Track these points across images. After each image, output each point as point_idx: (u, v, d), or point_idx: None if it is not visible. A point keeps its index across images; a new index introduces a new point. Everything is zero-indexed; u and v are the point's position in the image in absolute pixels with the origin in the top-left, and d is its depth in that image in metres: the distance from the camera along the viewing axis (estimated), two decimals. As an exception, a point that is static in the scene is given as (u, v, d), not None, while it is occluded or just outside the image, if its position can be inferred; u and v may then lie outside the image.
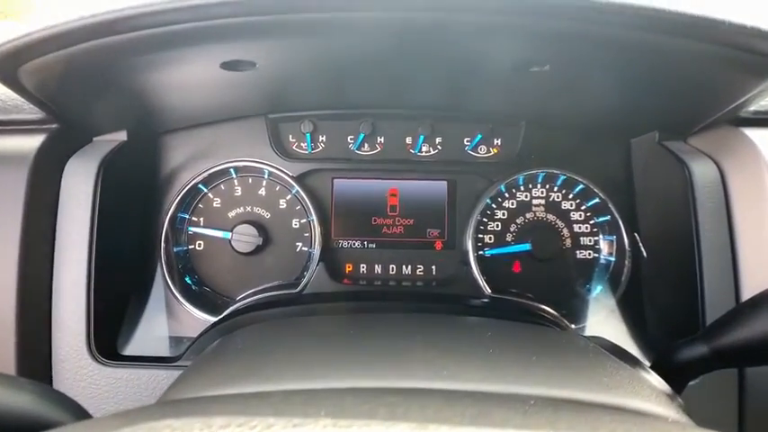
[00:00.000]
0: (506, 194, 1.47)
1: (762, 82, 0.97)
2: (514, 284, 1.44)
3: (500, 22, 0.86)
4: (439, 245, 1.47)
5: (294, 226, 1.45)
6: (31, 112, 1.10)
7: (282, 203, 1.45)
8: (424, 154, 1.48)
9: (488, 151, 1.48)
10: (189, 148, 1.43)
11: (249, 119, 1.43)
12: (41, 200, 1.12)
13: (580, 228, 1.47)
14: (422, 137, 1.46)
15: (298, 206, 1.45)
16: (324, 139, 1.46)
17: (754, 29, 0.81)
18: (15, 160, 1.09)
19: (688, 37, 0.85)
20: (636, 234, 1.40)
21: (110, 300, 1.21)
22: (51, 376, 1.11)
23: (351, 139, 1.47)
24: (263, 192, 1.45)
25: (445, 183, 1.48)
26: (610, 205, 1.42)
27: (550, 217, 1.47)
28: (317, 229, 1.42)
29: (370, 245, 1.47)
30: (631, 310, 1.39)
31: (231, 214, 1.44)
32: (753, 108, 1.12)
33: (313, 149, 1.46)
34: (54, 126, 1.14)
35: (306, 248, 1.44)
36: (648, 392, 0.65)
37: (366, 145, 1.47)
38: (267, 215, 1.44)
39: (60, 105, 1.09)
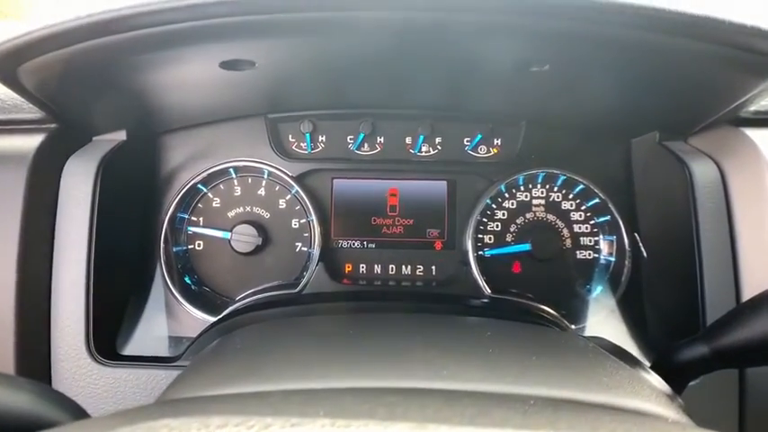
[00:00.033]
0: (506, 194, 1.47)
1: (762, 82, 0.97)
2: (514, 285, 1.44)
3: (500, 22, 0.86)
4: (439, 245, 1.47)
5: (294, 226, 1.45)
6: (31, 111, 1.10)
7: (282, 203, 1.45)
8: (423, 154, 1.47)
9: (488, 151, 1.48)
10: (188, 147, 1.43)
11: (249, 119, 1.43)
12: (41, 199, 1.11)
13: (580, 228, 1.46)
14: (422, 137, 1.46)
15: (297, 206, 1.45)
16: (323, 138, 1.46)
17: (755, 28, 0.81)
18: (15, 160, 1.09)
19: (688, 36, 0.85)
20: (636, 234, 1.40)
21: (109, 299, 1.21)
22: (50, 376, 1.11)
23: (350, 138, 1.46)
24: (262, 192, 1.45)
25: (445, 183, 1.47)
26: (610, 205, 1.42)
27: (550, 217, 1.46)
28: (317, 229, 1.42)
29: (370, 245, 1.47)
30: (631, 311, 1.38)
31: (231, 214, 1.44)
32: (753, 108, 1.12)
33: (313, 149, 1.46)
34: (53, 126, 1.14)
35: (305, 248, 1.44)
36: (648, 393, 0.64)
37: (366, 145, 1.47)
38: (267, 215, 1.44)
39: (60, 105, 1.09)
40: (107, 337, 1.22)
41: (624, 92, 1.20)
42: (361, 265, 1.46)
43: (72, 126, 1.17)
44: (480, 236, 1.46)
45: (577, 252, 1.46)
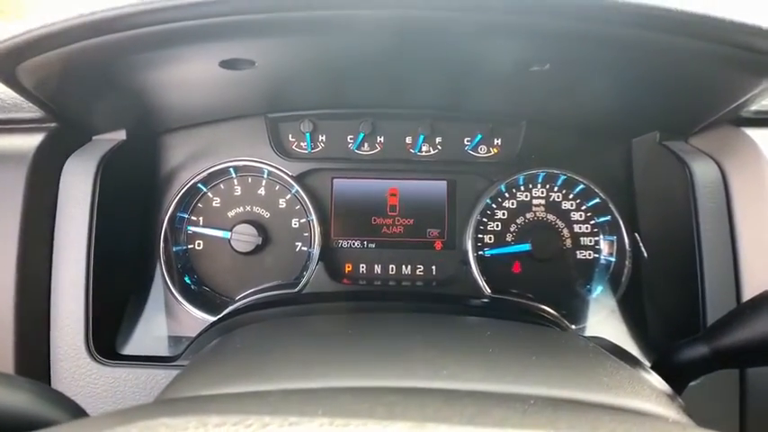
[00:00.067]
0: (506, 194, 1.47)
1: (762, 81, 0.97)
2: (514, 285, 1.44)
3: (500, 22, 0.86)
4: (439, 245, 1.47)
5: (294, 226, 1.44)
6: (30, 110, 1.10)
7: (282, 203, 1.45)
8: (423, 154, 1.47)
9: (488, 151, 1.48)
10: (188, 147, 1.43)
11: (249, 118, 1.43)
12: (40, 199, 1.11)
13: (580, 228, 1.46)
14: (422, 136, 1.45)
15: (297, 206, 1.44)
16: (323, 138, 1.46)
17: (755, 27, 0.81)
18: (14, 159, 1.09)
19: (689, 35, 0.85)
20: (636, 234, 1.40)
21: (109, 299, 1.21)
22: (50, 375, 1.11)
23: (350, 138, 1.46)
24: (262, 191, 1.45)
25: (445, 183, 1.47)
26: (610, 205, 1.42)
27: (550, 217, 1.46)
28: (317, 229, 1.41)
29: (370, 245, 1.47)
30: (632, 311, 1.38)
31: (231, 214, 1.44)
32: (754, 108, 1.12)
33: (313, 149, 1.46)
34: (53, 125, 1.14)
35: (305, 248, 1.44)
36: (649, 393, 0.64)
37: (366, 144, 1.47)
38: (267, 215, 1.44)
39: (59, 104, 1.09)
40: (107, 337, 1.22)
41: (624, 92, 1.20)
42: (361, 265, 1.46)
43: (72, 125, 1.17)
44: (480, 236, 1.46)
45: (578, 252, 1.46)
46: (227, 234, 1.39)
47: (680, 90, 1.11)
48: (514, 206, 1.47)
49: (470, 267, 1.40)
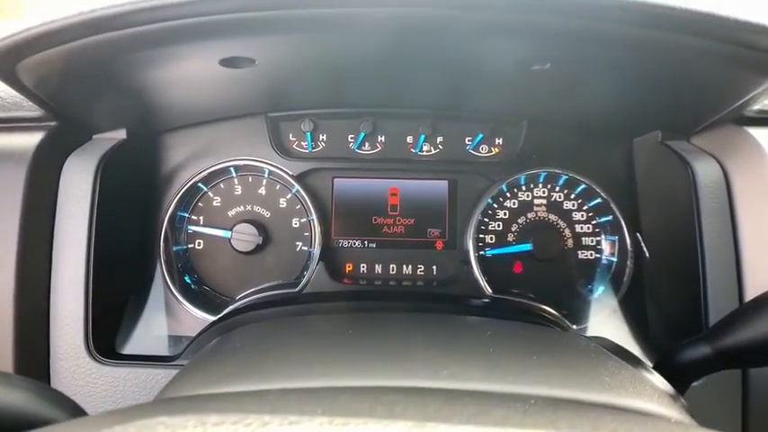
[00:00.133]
0: (508, 194, 1.46)
1: (766, 80, 0.96)
2: (515, 285, 1.43)
3: (501, 20, 0.85)
4: (440, 245, 1.47)
5: (294, 225, 1.44)
6: (30, 109, 1.09)
7: (282, 202, 1.44)
8: (424, 153, 1.47)
9: (490, 151, 1.47)
10: (189, 146, 1.42)
11: (249, 117, 1.43)
12: (40, 198, 1.11)
13: (582, 228, 1.46)
14: (423, 136, 1.45)
15: (298, 205, 1.44)
16: (324, 137, 1.46)
17: (759, 25, 0.80)
18: (14, 158, 1.09)
19: (692, 34, 0.84)
20: (638, 234, 1.39)
21: (108, 298, 1.20)
22: (49, 375, 1.11)
23: (351, 138, 1.46)
24: (263, 191, 1.44)
25: (446, 182, 1.47)
26: (612, 205, 1.41)
27: (552, 217, 1.46)
28: (317, 229, 1.41)
29: (371, 244, 1.46)
30: (634, 311, 1.38)
31: (231, 213, 1.43)
32: (757, 107, 1.11)
33: (313, 148, 1.46)
34: (53, 124, 1.14)
35: (306, 248, 1.44)
36: (651, 393, 0.64)
37: (367, 144, 1.46)
38: (267, 214, 1.44)
39: (59, 103, 1.09)
40: (106, 336, 1.21)
41: (626, 91, 1.19)
42: (362, 265, 1.46)
43: (72, 124, 1.17)
44: (481, 236, 1.45)
45: (579, 252, 1.45)
46: (227, 233, 1.39)
47: (682, 89, 1.10)
48: (516, 206, 1.46)
49: (471, 267, 1.40)
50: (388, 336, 0.84)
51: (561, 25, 0.85)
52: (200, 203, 1.43)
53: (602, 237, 1.45)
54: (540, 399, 0.55)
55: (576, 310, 1.39)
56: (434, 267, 1.46)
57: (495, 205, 1.46)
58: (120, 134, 1.24)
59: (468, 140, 1.47)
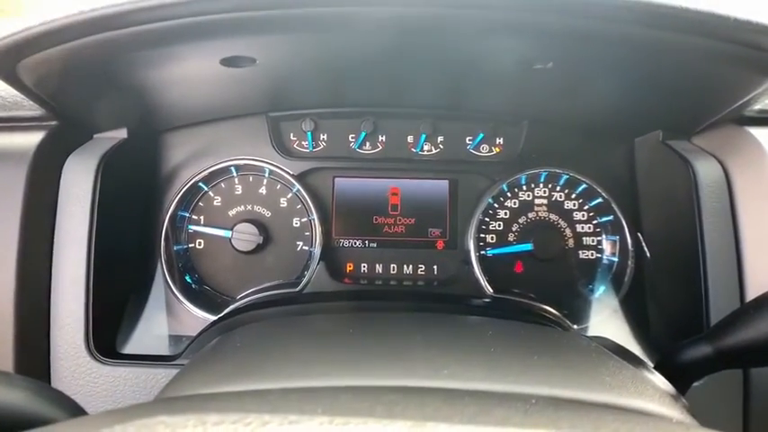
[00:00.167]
0: (508, 194, 1.46)
1: (767, 80, 0.96)
2: (516, 284, 1.43)
3: (503, 19, 0.85)
4: (440, 244, 1.46)
5: (295, 225, 1.44)
6: (31, 108, 1.09)
7: (283, 202, 1.44)
8: (425, 153, 1.47)
9: (490, 150, 1.47)
10: (189, 146, 1.42)
11: (250, 117, 1.43)
12: (41, 197, 1.11)
13: (583, 228, 1.46)
14: (423, 135, 1.45)
15: (298, 205, 1.44)
16: (325, 137, 1.46)
17: (760, 25, 0.80)
18: (15, 157, 1.09)
19: (693, 33, 0.84)
20: (639, 234, 1.39)
21: (109, 298, 1.20)
22: (50, 374, 1.11)
23: (352, 137, 1.46)
24: (263, 190, 1.44)
25: (447, 182, 1.47)
26: (613, 205, 1.41)
27: (553, 217, 1.46)
28: (318, 228, 1.41)
29: (371, 244, 1.46)
30: (634, 311, 1.38)
31: (232, 213, 1.43)
32: (758, 107, 1.11)
33: (314, 148, 1.46)
34: (54, 123, 1.14)
35: (306, 247, 1.44)
36: (652, 393, 0.64)
37: (367, 143, 1.46)
38: (268, 214, 1.44)
39: (60, 102, 1.08)
40: (107, 336, 1.21)
41: (627, 91, 1.19)
42: (363, 265, 1.46)
43: (72, 123, 1.17)
44: (482, 235, 1.45)
45: (580, 252, 1.45)
46: (228, 233, 1.39)
47: (684, 89, 1.10)
48: (516, 206, 1.46)
49: (472, 267, 1.40)
50: (388, 335, 0.84)
51: (563, 25, 0.85)
52: (200, 203, 1.43)
53: (603, 236, 1.45)
54: (540, 398, 0.55)
55: (576, 309, 1.38)
56: (435, 267, 1.46)
57: (496, 205, 1.46)
58: (121, 133, 1.24)
59: (469, 140, 1.47)
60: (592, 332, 1.36)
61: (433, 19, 0.85)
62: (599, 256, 1.45)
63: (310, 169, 1.44)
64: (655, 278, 1.35)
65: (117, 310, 1.28)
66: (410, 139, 1.47)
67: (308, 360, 0.69)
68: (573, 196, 1.46)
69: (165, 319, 1.37)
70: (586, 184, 1.42)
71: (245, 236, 1.38)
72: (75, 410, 0.67)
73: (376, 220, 1.46)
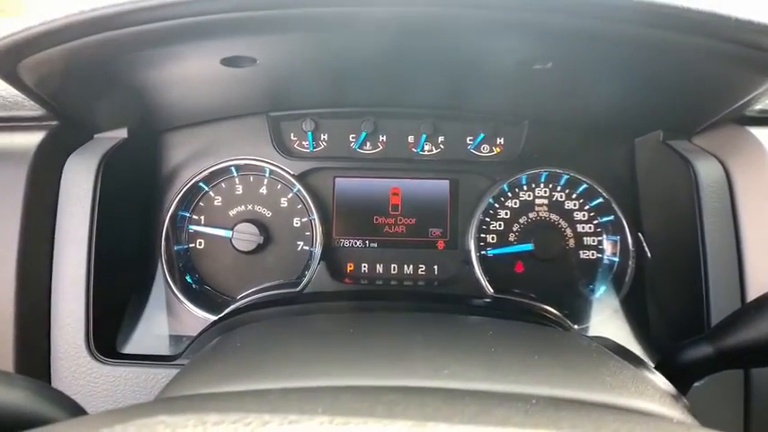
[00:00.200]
0: (509, 194, 1.46)
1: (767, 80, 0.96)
2: (517, 284, 1.43)
3: (504, 19, 0.85)
4: (441, 244, 1.46)
5: (295, 225, 1.44)
6: (32, 108, 1.09)
7: (284, 202, 1.44)
8: (426, 153, 1.47)
9: (491, 150, 1.47)
10: (190, 146, 1.42)
11: (250, 117, 1.43)
12: (41, 197, 1.11)
13: (583, 228, 1.45)
14: (424, 135, 1.45)
15: (299, 205, 1.44)
16: (325, 137, 1.46)
17: (761, 25, 0.80)
18: (15, 157, 1.09)
19: (694, 33, 0.84)
20: (640, 234, 1.39)
21: (109, 298, 1.20)
22: (50, 374, 1.11)
23: (352, 137, 1.46)
24: (264, 190, 1.44)
25: (447, 182, 1.47)
26: (613, 205, 1.41)
27: (553, 217, 1.46)
28: (319, 228, 1.41)
29: (372, 244, 1.46)
30: (635, 311, 1.37)
31: (232, 213, 1.43)
32: (758, 107, 1.11)
33: (314, 148, 1.46)
34: (54, 123, 1.14)
35: (307, 247, 1.44)
36: (653, 393, 0.64)
37: (368, 143, 1.46)
38: (268, 214, 1.44)
39: (60, 102, 1.08)
40: (107, 336, 1.21)
41: (628, 91, 1.19)
42: (363, 265, 1.46)
43: (73, 123, 1.17)
44: (483, 235, 1.45)
45: (580, 252, 1.45)
46: (228, 233, 1.39)
47: (684, 89, 1.10)
48: (517, 206, 1.46)
49: (473, 267, 1.40)
50: (388, 335, 0.84)
51: (563, 24, 0.85)
52: (201, 203, 1.43)
53: (604, 237, 1.45)
54: (541, 399, 0.55)
55: (577, 309, 1.38)
56: (436, 267, 1.46)
57: (497, 205, 1.46)
58: (122, 133, 1.24)
59: (470, 140, 1.47)
60: (592, 332, 1.36)
61: (433, 19, 0.85)
62: (600, 256, 1.45)
63: (311, 169, 1.44)
64: (655, 278, 1.35)
65: (117, 310, 1.28)
66: (411, 139, 1.46)
67: (308, 360, 0.69)
68: (573, 196, 1.46)
69: (165, 318, 1.37)
70: (587, 184, 1.42)
71: (245, 236, 1.38)
72: (75, 410, 0.67)
73: (376, 220, 1.46)
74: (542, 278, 1.43)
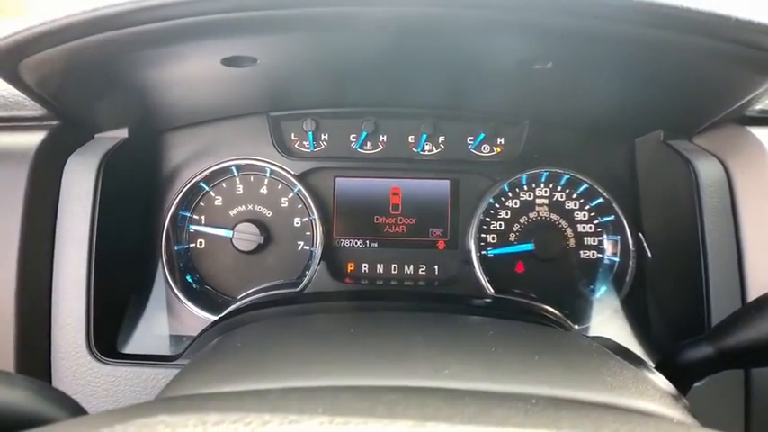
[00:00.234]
0: (509, 194, 1.46)
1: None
2: (517, 284, 1.43)
3: (504, 19, 0.85)
4: (441, 244, 1.46)
5: (296, 225, 1.44)
6: (32, 108, 1.10)
7: (284, 202, 1.44)
8: (426, 153, 1.47)
9: (491, 150, 1.47)
10: (190, 145, 1.42)
11: (251, 117, 1.43)
12: (42, 197, 1.11)
13: (584, 228, 1.45)
14: (424, 135, 1.45)
15: (299, 205, 1.44)
16: (326, 137, 1.46)
17: (762, 25, 0.80)
18: (16, 157, 1.09)
19: (694, 33, 0.84)
20: (640, 234, 1.39)
21: (110, 298, 1.20)
22: (50, 374, 1.11)
23: (353, 137, 1.46)
24: (264, 190, 1.44)
25: (448, 182, 1.47)
26: (614, 205, 1.41)
27: (554, 217, 1.46)
28: (319, 228, 1.41)
29: (372, 244, 1.46)
30: (636, 311, 1.37)
31: (233, 213, 1.43)
32: (759, 107, 1.11)
33: (315, 148, 1.46)
34: (55, 123, 1.14)
35: (307, 247, 1.44)
36: (653, 393, 0.64)
37: (368, 143, 1.46)
38: (269, 214, 1.44)
39: (61, 102, 1.09)
40: (108, 336, 1.21)
41: (628, 91, 1.19)
42: (364, 265, 1.46)
43: (74, 123, 1.17)
44: (483, 235, 1.45)
45: (581, 252, 1.45)
46: (229, 233, 1.39)
47: (685, 88, 1.10)
48: (517, 206, 1.46)
49: (473, 267, 1.40)
50: (389, 335, 0.84)
51: (564, 24, 0.85)
52: (201, 203, 1.43)
53: (604, 236, 1.45)
54: (541, 399, 0.55)
55: (577, 309, 1.38)
56: (436, 267, 1.46)
57: (497, 205, 1.46)
58: (122, 133, 1.24)
59: (470, 140, 1.47)
60: (593, 332, 1.36)
61: (433, 19, 0.85)
62: (600, 256, 1.45)
63: (311, 169, 1.44)
64: (656, 278, 1.35)
65: (118, 310, 1.28)
66: (411, 139, 1.47)
67: (308, 360, 0.69)
68: (574, 196, 1.46)
69: (165, 318, 1.37)
70: (587, 184, 1.42)
71: (246, 236, 1.38)
72: (75, 410, 0.67)
73: (377, 219, 1.46)
74: (543, 278, 1.43)
